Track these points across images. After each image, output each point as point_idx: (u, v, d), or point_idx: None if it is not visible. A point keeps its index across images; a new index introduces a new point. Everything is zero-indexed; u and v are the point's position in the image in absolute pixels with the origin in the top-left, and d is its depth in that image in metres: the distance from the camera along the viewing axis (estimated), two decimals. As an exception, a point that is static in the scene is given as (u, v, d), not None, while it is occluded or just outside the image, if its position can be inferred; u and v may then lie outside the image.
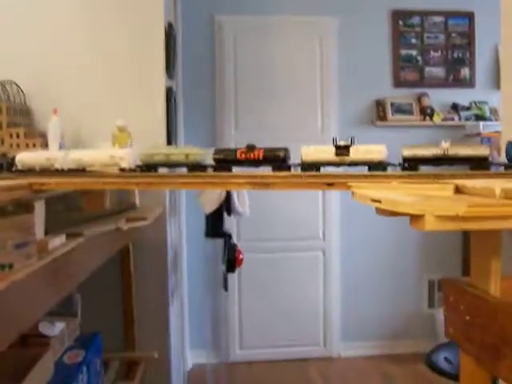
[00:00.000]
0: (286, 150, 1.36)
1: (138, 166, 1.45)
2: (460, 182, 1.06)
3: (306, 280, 4.29)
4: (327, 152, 1.33)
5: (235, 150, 1.37)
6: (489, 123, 4.17)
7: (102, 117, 2.50)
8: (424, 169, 1.33)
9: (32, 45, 2.58)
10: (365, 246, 4.34)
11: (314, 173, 1.29)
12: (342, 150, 1.32)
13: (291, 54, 4.20)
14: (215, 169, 1.38)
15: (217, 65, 4.15)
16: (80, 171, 1.52)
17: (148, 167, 1.43)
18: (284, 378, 3.95)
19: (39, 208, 1.49)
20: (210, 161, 1.42)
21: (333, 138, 1.36)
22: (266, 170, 1.36)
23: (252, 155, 1.34)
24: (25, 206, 1.41)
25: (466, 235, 4.32)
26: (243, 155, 1.35)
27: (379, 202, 0.92)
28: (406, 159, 1.32)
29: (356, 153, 1.32)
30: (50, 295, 1.41)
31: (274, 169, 1.34)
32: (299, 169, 1.34)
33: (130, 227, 2.03)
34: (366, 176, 1.25)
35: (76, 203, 2.25)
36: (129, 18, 2.61)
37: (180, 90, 3.70)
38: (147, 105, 2.59)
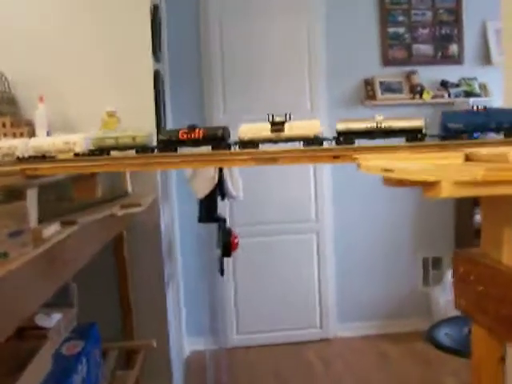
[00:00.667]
0: (224, 128, 1.38)
1: (90, 151, 1.48)
2: (469, 150, 1.03)
3: (301, 262, 4.28)
4: (263, 129, 1.35)
5: (178, 131, 1.41)
6: (478, 99, 4.16)
7: (90, 102, 2.45)
8: (359, 142, 1.34)
9: (16, 32, 2.51)
10: (358, 227, 4.33)
11: (318, 147, 1.28)
12: (277, 127, 1.33)
13: (278, 35, 4.14)
14: (161, 150, 1.42)
15: (203, 47, 4.09)
16: (40, 158, 1.54)
17: (100, 151, 1.48)
18: (283, 362, 3.95)
19: (32, 195, 1.45)
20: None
21: (268, 114, 1.37)
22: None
23: (193, 135, 1.38)
24: (17, 194, 1.37)
25: (458, 213, 4.33)
26: (185, 135, 1.39)
27: (391, 171, 0.89)
28: (340, 133, 1.33)
29: (291, 129, 1.33)
30: (48, 284, 1.37)
31: (214, 147, 1.37)
32: (237, 147, 1.38)
33: (124, 214, 1.99)
34: (371, 148, 1.23)
35: (67, 192, 2.21)
36: (114, 0, 2.54)
37: (167, 73, 3.64)
38: (135, 89, 2.54)
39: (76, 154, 1.48)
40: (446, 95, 4.26)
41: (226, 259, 3.14)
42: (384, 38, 4.27)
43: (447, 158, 1.01)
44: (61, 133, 2.20)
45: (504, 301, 0.96)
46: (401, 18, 4.29)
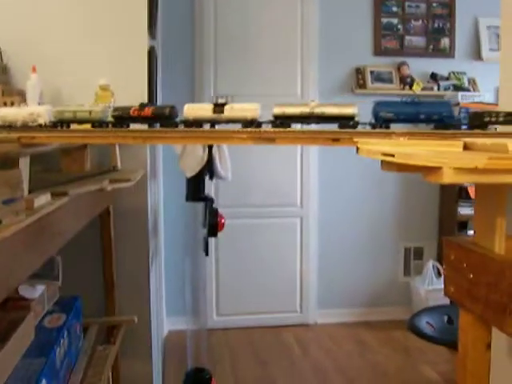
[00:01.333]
0: (172, 107, 1.43)
1: (52, 122, 1.52)
2: (468, 139, 1.04)
3: (284, 247, 4.30)
4: (206, 109, 1.39)
5: (129, 108, 1.46)
6: (467, 93, 4.20)
7: (84, 75, 2.42)
8: (294, 126, 1.37)
9: (9, 1, 2.47)
10: (342, 214, 4.35)
11: (316, 129, 1.29)
12: (218, 108, 1.38)
13: (272, 19, 4.13)
14: (114, 125, 1.48)
15: (197, 26, 4.07)
16: (7, 127, 1.55)
17: (61, 123, 1.52)
18: (261, 345, 3.97)
19: (24, 164, 1.44)
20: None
21: (212, 96, 1.43)
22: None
23: (142, 112, 1.43)
24: (10, 162, 1.36)
25: (442, 205, 4.37)
26: (135, 112, 1.44)
27: (392, 155, 0.90)
28: (276, 116, 1.37)
29: (231, 110, 1.38)
30: (38, 254, 1.37)
31: (162, 125, 1.43)
32: (183, 125, 1.43)
33: (113, 188, 1.98)
34: (371, 133, 1.23)
35: (55, 164, 2.19)
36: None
37: (159, 50, 3.61)
38: (129, 64, 2.51)
39: (39, 125, 1.51)
40: (436, 88, 4.29)
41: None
42: (377, 28, 4.28)
43: (446, 146, 1.02)
44: (52, 105, 2.19)
45: (495, 287, 0.98)
46: (395, 9, 4.30)
